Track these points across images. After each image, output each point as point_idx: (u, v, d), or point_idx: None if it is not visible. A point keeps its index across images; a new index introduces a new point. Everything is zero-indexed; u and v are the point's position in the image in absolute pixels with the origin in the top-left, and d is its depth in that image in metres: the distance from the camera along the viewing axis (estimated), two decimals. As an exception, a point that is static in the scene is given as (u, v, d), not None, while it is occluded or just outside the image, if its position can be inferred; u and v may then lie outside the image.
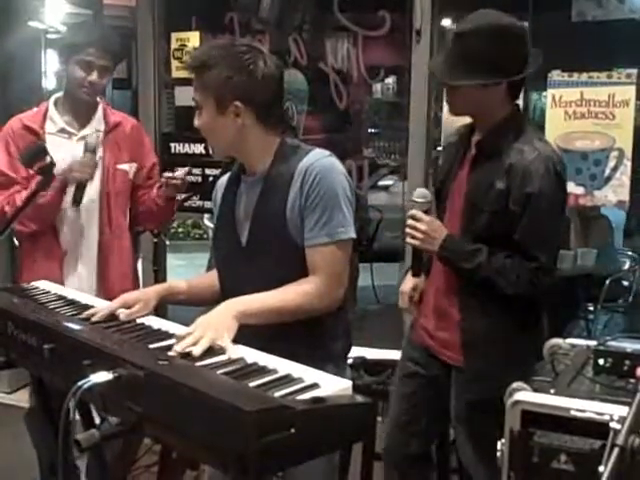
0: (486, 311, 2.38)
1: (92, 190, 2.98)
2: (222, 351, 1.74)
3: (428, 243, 2.37)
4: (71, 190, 2.90)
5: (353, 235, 2.01)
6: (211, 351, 1.74)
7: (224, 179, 2.25)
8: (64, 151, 2.92)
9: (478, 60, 2.25)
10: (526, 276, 2.28)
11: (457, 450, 2.62)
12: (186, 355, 1.71)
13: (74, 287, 2.84)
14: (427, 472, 2.77)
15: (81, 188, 2.87)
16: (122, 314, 2.04)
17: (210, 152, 4.15)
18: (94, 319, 2.00)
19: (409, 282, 2.65)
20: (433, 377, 2.56)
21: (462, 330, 2.43)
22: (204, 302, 2.33)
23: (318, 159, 1.99)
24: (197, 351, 1.71)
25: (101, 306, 2.08)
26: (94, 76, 2.88)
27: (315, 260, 1.97)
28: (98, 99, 3.07)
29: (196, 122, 2.05)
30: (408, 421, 2.63)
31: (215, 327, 1.79)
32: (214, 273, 2.23)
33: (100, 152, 2.99)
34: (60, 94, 3.05)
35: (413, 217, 2.40)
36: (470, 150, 2.44)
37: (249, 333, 1.85)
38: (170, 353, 1.71)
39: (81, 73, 2.89)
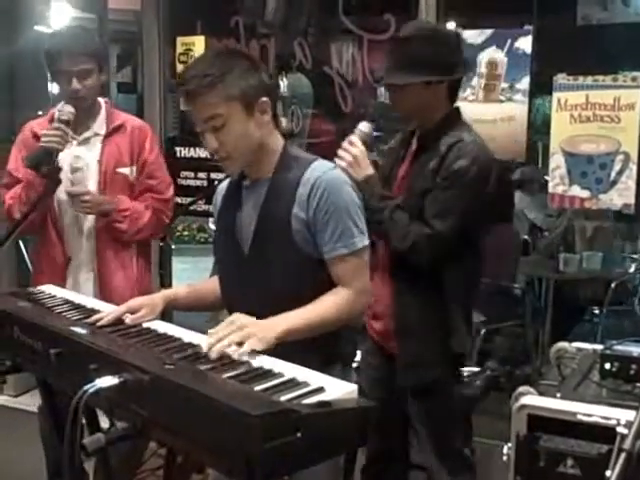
0: (416, 298, 2.47)
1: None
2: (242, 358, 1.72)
3: (354, 170, 2.45)
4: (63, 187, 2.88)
5: (367, 242, 2.03)
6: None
7: (224, 184, 2.24)
8: (64, 154, 2.89)
9: (422, 61, 2.42)
10: (413, 237, 2.39)
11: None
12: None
13: (71, 287, 2.87)
14: (404, 471, 2.83)
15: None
16: (128, 318, 2.04)
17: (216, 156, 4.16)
18: (100, 323, 2.01)
19: None
20: (387, 377, 2.62)
21: (394, 316, 2.52)
22: (208, 308, 2.34)
23: (324, 172, 1.99)
24: (219, 346, 1.70)
25: (107, 311, 2.09)
26: (74, 84, 2.84)
27: (338, 272, 1.99)
28: (102, 101, 3.05)
29: (215, 143, 1.97)
30: (381, 428, 2.67)
31: (252, 329, 1.77)
32: (217, 278, 2.23)
33: (97, 156, 2.97)
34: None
35: (350, 142, 2.51)
36: (411, 148, 2.59)
37: None
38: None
39: (62, 85, 2.89)
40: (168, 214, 3.11)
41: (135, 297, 2.85)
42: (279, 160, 2.05)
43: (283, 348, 1.79)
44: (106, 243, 2.99)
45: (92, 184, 2.97)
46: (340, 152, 2.50)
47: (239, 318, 1.82)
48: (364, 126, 2.55)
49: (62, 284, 2.80)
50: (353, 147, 2.49)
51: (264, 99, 1.98)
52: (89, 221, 2.98)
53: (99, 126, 3.00)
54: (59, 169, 2.83)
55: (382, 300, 2.54)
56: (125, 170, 3.00)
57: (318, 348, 1.88)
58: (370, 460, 2.73)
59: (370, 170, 2.49)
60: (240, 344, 1.74)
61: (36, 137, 2.95)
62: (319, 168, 2.01)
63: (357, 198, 2.03)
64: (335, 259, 1.98)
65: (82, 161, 2.98)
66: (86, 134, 2.99)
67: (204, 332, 1.94)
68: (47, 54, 2.89)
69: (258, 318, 1.85)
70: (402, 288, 2.50)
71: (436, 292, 2.46)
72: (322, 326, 1.93)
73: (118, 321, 2.03)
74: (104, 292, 2.95)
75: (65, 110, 2.83)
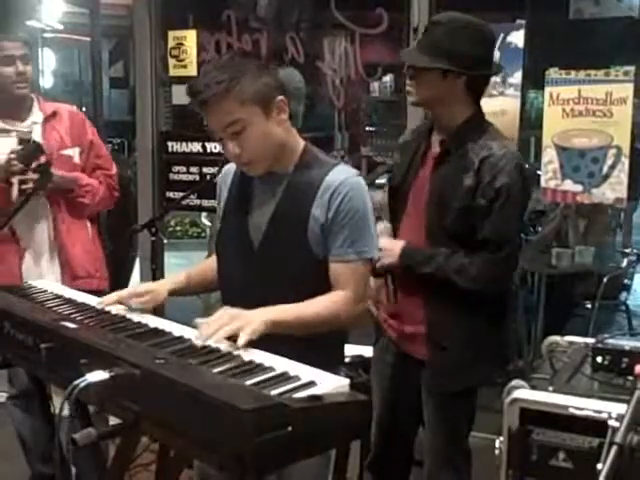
0: (451, 306, 2.42)
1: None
2: (234, 347, 1.73)
3: (388, 257, 2.44)
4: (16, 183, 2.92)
5: (375, 255, 2.04)
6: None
7: (231, 168, 2.17)
8: (3, 148, 2.94)
9: (442, 48, 2.32)
10: (486, 271, 2.34)
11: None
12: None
13: (36, 276, 2.93)
14: (408, 470, 2.81)
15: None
16: (133, 301, 2.07)
17: (208, 150, 4.15)
18: (105, 304, 2.06)
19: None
20: (399, 375, 2.60)
21: (427, 324, 2.47)
22: (209, 290, 2.35)
23: (348, 177, 1.99)
24: (213, 340, 1.72)
25: (109, 296, 2.12)
26: (20, 67, 2.95)
27: (340, 274, 1.98)
28: (32, 95, 3.13)
29: (237, 149, 1.93)
30: (389, 425, 2.67)
31: (242, 321, 1.78)
32: (211, 260, 2.24)
33: (40, 140, 3.01)
34: None
35: None
36: (431, 149, 2.49)
37: None
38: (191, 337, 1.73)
39: (7, 69, 2.95)
40: (117, 188, 3.25)
41: (95, 268, 3.05)
42: (300, 158, 2.03)
43: (274, 350, 1.76)
44: (61, 224, 3.06)
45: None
46: None
47: (227, 312, 1.82)
48: (379, 227, 2.48)
49: (15, 279, 2.89)
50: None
51: (280, 97, 1.96)
52: (43, 206, 3.03)
53: (35, 115, 3.10)
54: (50, 164, 2.85)
55: (402, 300, 2.53)
56: (69, 152, 3.09)
57: (309, 353, 1.85)
58: (376, 457, 2.73)
59: (400, 244, 2.45)
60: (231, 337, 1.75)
61: None
62: (343, 172, 2.00)
63: (372, 209, 2.03)
64: (341, 261, 1.97)
65: None
66: (25, 124, 3.08)
67: (195, 327, 1.93)
68: None
69: None
70: (436, 295, 2.44)
71: (470, 301, 2.40)
72: (312, 325, 1.92)
73: (109, 315, 2.04)
74: (67, 270, 3.05)
75: (25, 133, 2.96)
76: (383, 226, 2.53)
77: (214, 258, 2.22)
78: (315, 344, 1.88)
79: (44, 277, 2.97)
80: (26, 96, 3.04)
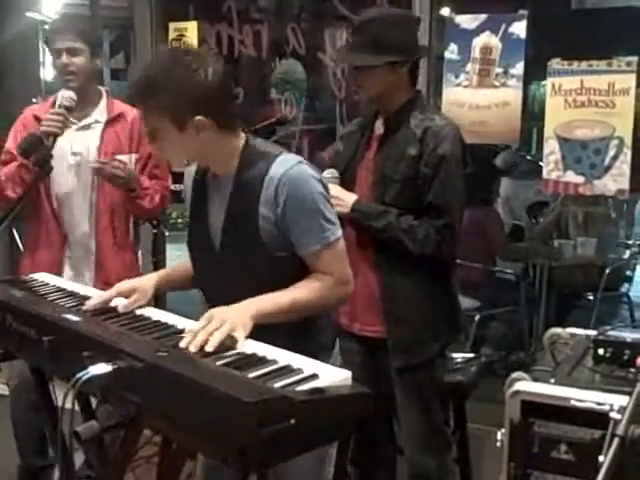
0: (404, 279, 2.49)
1: (87, 179, 3.02)
2: (234, 346, 1.72)
3: (339, 206, 2.44)
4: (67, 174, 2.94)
5: (339, 232, 2.00)
6: (223, 345, 1.71)
7: (192, 169, 2.16)
8: (63, 139, 2.91)
9: (386, 43, 2.42)
10: (433, 235, 2.42)
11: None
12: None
13: (72, 273, 2.99)
14: (393, 458, 2.85)
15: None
16: (120, 305, 2.04)
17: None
18: (88, 306, 2.01)
19: None
20: (374, 362, 2.62)
21: (382, 300, 2.52)
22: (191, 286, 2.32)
23: (289, 168, 1.93)
24: (210, 347, 1.68)
25: (97, 295, 2.08)
26: (63, 58, 2.94)
27: (314, 266, 1.98)
28: (103, 90, 3.10)
29: (156, 150, 2.01)
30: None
31: (231, 321, 1.76)
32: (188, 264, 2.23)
33: (97, 142, 3.01)
34: None
35: None
36: (375, 132, 2.58)
37: None
38: (181, 345, 1.70)
39: (55, 62, 2.98)
40: (169, 200, 3.26)
41: (127, 275, 2.93)
42: (241, 158, 1.99)
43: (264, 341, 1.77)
44: (104, 230, 3.06)
45: (89, 170, 3.01)
46: None
47: (214, 315, 1.78)
48: (328, 172, 2.53)
49: (55, 265, 2.93)
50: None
51: (198, 118, 1.87)
52: (90, 208, 3.04)
53: (99, 114, 3.06)
54: (50, 157, 2.84)
55: (364, 287, 2.52)
56: (124, 157, 3.05)
57: (300, 342, 1.82)
58: (357, 450, 2.73)
59: (352, 196, 2.50)
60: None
61: (37, 120, 3.00)
62: (283, 163, 1.95)
63: (323, 189, 1.98)
64: (308, 254, 1.96)
65: (81, 146, 3.03)
66: (86, 121, 3.06)
67: (197, 319, 1.93)
68: (46, 36, 3.03)
69: None
70: (389, 272, 2.50)
71: (423, 273, 2.48)
72: (294, 309, 1.92)
73: (110, 308, 2.03)
74: (101, 274, 3.05)
75: (66, 96, 2.89)
76: (330, 176, 2.53)
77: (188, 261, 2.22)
78: (292, 331, 1.89)
79: (78, 272, 3.02)
80: (78, 89, 2.97)
